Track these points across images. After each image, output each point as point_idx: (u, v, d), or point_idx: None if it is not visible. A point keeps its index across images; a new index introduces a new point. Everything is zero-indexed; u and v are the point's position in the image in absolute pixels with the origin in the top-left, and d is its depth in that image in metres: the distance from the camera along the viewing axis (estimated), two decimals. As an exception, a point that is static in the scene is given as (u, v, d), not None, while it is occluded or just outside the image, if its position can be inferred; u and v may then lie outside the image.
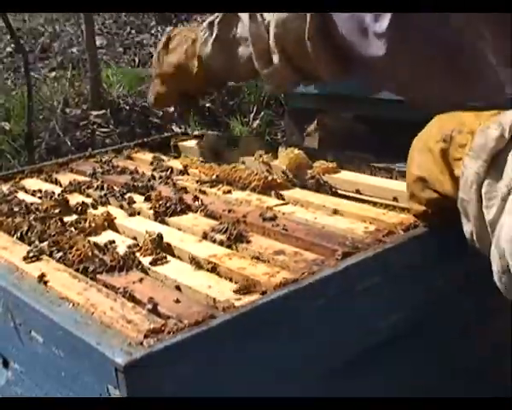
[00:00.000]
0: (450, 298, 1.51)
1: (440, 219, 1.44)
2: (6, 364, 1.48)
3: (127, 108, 6.21)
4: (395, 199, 1.69)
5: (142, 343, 1.13)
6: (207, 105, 6.29)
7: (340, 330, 1.35)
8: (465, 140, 1.29)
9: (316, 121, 2.71)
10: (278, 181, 1.83)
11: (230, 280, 1.38)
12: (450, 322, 1.52)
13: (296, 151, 1.96)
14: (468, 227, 1.29)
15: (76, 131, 5.82)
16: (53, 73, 6.71)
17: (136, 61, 7.25)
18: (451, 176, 1.33)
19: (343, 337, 1.36)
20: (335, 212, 1.65)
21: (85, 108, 6.08)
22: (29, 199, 1.88)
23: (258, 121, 5.78)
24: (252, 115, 5.97)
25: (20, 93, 6.03)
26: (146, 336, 1.15)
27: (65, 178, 2.08)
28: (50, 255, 1.51)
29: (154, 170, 2.08)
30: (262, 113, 5.90)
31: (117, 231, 1.67)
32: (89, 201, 1.84)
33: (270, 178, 1.84)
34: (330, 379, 1.34)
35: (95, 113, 5.98)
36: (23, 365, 1.40)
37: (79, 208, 1.78)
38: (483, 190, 1.22)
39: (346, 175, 1.88)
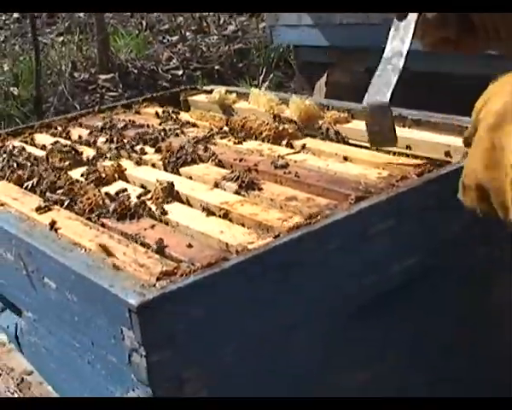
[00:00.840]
0: (464, 244, 1.49)
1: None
2: (19, 313, 1.48)
3: (135, 71, 6.18)
4: (408, 147, 1.66)
5: (154, 285, 1.12)
6: (216, 67, 6.25)
7: (354, 274, 1.33)
8: None
9: (326, 75, 2.67)
10: (290, 131, 1.81)
11: (243, 226, 1.37)
12: (463, 269, 1.50)
13: (307, 102, 1.94)
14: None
15: (84, 94, 5.80)
16: (60, 38, 6.68)
17: (144, 24, 7.19)
18: None
19: (357, 281, 1.34)
20: (347, 159, 1.64)
21: (93, 72, 6.06)
22: (39, 153, 1.87)
23: (267, 83, 5.72)
24: (261, 77, 5.92)
25: (27, 58, 6.00)
26: (158, 279, 1.14)
27: (74, 132, 2.06)
28: (61, 205, 1.50)
29: (163, 123, 2.06)
30: (271, 75, 5.84)
31: (127, 181, 1.65)
32: (98, 153, 1.83)
33: (281, 127, 1.82)
34: (344, 324, 1.33)
35: (103, 76, 5.95)
36: (36, 313, 1.40)
37: (89, 160, 1.77)
38: None
39: (357, 125, 1.85)
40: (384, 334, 1.41)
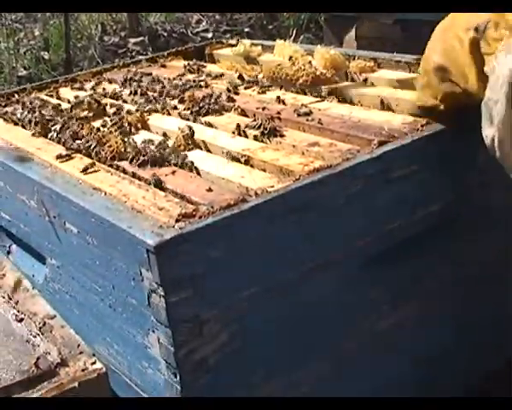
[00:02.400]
0: (486, 190, 1.46)
1: (449, 118, 1.34)
2: (43, 261, 1.49)
3: (165, 34, 6.16)
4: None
5: (173, 227, 1.12)
6: (246, 30, 6.20)
7: (376, 219, 1.32)
8: (499, 35, 1.16)
9: (354, 29, 2.63)
10: (328, 76, 1.77)
11: (264, 171, 1.35)
12: (485, 214, 1.48)
13: (332, 51, 1.91)
14: (489, 131, 1.17)
15: (114, 58, 5.78)
16: (90, 2, 6.67)
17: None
18: (480, 71, 1.20)
19: (378, 227, 1.33)
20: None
21: (123, 36, 6.05)
22: (63, 105, 1.87)
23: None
24: (291, 39, 5.85)
25: (57, 22, 6.01)
26: (177, 221, 1.14)
27: (99, 85, 2.06)
28: (84, 153, 1.50)
29: (187, 75, 2.04)
30: (301, 36, 5.78)
31: (150, 130, 1.65)
32: (121, 104, 1.82)
33: (318, 72, 1.77)
34: (364, 269, 1.32)
35: (133, 40, 5.94)
36: (59, 259, 1.41)
37: (113, 111, 1.77)
38: None
39: (383, 74, 1.82)
40: (406, 279, 1.39)
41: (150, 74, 2.09)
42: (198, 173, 1.37)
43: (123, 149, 1.46)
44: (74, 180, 1.35)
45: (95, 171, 1.40)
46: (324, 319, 1.28)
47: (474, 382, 1.57)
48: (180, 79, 1.99)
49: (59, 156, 1.48)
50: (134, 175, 1.37)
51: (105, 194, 1.27)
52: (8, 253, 1.64)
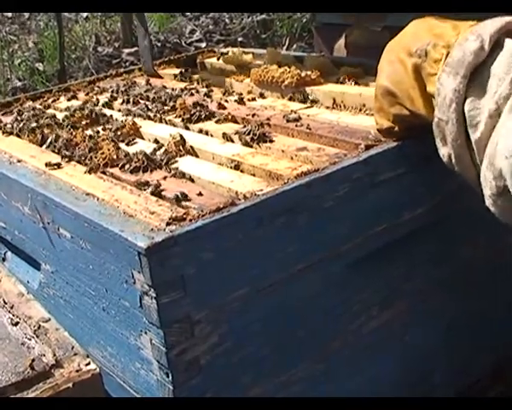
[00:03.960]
0: (473, 192, 1.49)
1: (407, 136, 1.36)
2: (38, 267, 1.51)
3: (159, 44, 6.20)
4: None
5: (164, 230, 1.14)
6: (239, 39, 6.24)
7: (363, 221, 1.34)
8: (440, 55, 1.19)
9: (344, 36, 2.66)
10: (312, 77, 1.80)
11: (253, 176, 1.38)
12: (472, 216, 1.50)
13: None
14: (444, 150, 1.20)
15: (109, 69, 5.82)
16: (84, 13, 6.71)
17: (167, -2, 7.19)
18: (424, 93, 1.23)
19: (365, 229, 1.36)
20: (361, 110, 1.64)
21: (117, 46, 6.09)
22: (57, 114, 1.90)
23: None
24: (284, 48, 5.89)
25: (52, 34, 6.04)
26: (168, 224, 1.16)
27: (92, 94, 2.09)
28: (77, 160, 1.53)
29: (179, 83, 2.08)
30: (294, 45, 5.82)
31: (142, 138, 1.68)
32: (114, 113, 1.85)
33: (303, 74, 1.81)
34: (352, 270, 1.35)
35: (127, 51, 5.98)
36: (54, 264, 1.43)
37: (106, 119, 1.80)
38: (466, 108, 1.12)
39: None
40: (393, 280, 1.42)
41: (142, 83, 2.12)
42: (189, 179, 1.39)
43: (115, 156, 1.49)
44: (67, 187, 1.37)
45: (87, 177, 1.43)
46: (313, 319, 1.31)
47: (464, 381, 1.60)
48: (172, 88, 2.02)
49: (50, 164, 1.51)
50: (126, 181, 1.40)
51: (98, 199, 1.30)
52: (3, 260, 1.66)
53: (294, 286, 1.27)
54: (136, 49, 6.02)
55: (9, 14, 6.63)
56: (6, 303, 1.36)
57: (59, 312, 1.44)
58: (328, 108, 1.71)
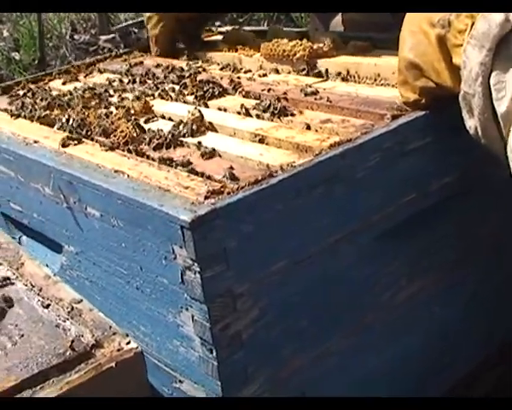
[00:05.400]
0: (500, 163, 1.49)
1: (435, 107, 1.35)
2: (59, 249, 1.48)
3: (136, 31, 6.13)
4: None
5: (203, 203, 1.12)
6: (217, 23, 6.20)
7: (393, 191, 1.34)
8: (464, 25, 1.17)
9: (340, 14, 2.64)
10: (325, 49, 1.78)
11: (280, 149, 1.36)
12: (500, 184, 1.51)
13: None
14: (471, 123, 1.20)
15: (86, 56, 5.75)
16: (58, 1, 6.61)
17: (141, -16, 7.11)
18: (449, 65, 1.22)
19: (395, 199, 1.35)
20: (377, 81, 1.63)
21: (94, 34, 6.01)
22: (64, 96, 1.86)
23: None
24: (263, 32, 5.86)
25: (27, 23, 5.95)
26: (207, 197, 1.14)
27: (95, 76, 2.05)
28: (95, 140, 1.50)
29: (183, 61, 2.05)
30: (272, 28, 5.79)
31: (155, 116, 1.64)
32: (124, 93, 1.82)
33: (315, 46, 1.79)
34: (384, 240, 1.34)
35: (104, 37, 5.90)
36: (78, 245, 1.40)
37: (115, 99, 1.76)
38: (491, 82, 1.11)
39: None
40: (422, 251, 1.42)
41: (146, 63, 2.09)
42: (216, 154, 1.37)
43: (135, 134, 1.47)
44: (93, 165, 1.34)
45: (110, 155, 1.40)
46: (347, 291, 1.30)
47: (490, 351, 1.60)
48: (177, 66, 1.99)
49: (68, 143, 1.47)
50: (151, 158, 1.37)
51: (128, 176, 1.27)
52: (19, 244, 1.62)
53: (330, 258, 1.26)
54: (112, 36, 5.96)
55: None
56: (34, 286, 1.32)
57: (84, 294, 1.40)
58: (343, 80, 1.69)
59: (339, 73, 1.72)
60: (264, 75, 1.82)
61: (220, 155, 1.36)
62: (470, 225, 1.49)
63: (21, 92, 1.94)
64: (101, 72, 2.11)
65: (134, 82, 1.91)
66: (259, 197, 1.14)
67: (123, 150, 1.42)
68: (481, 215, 1.50)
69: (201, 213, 1.08)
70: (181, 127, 1.49)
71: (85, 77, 2.07)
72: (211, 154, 1.36)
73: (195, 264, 1.09)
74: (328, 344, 1.30)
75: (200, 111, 1.52)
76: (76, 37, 6.02)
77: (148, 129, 1.50)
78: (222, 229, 1.10)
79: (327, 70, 1.74)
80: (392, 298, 1.39)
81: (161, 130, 1.48)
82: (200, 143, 1.41)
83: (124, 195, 1.19)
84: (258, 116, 1.53)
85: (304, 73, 1.78)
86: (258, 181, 1.16)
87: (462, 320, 1.53)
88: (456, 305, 1.52)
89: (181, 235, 1.09)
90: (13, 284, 1.33)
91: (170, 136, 1.44)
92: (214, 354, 1.14)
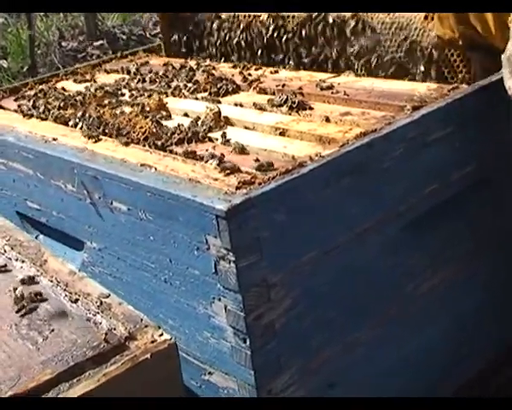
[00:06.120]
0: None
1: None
2: (80, 246, 1.48)
3: (124, 37, 6.12)
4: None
5: (236, 193, 1.13)
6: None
7: (417, 182, 1.35)
8: None
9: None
10: None
11: (302, 141, 1.37)
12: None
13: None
14: (511, 83, 1.22)
15: (75, 63, 5.73)
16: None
17: (127, -9, 7.11)
18: (500, 21, 1.24)
19: (419, 189, 1.36)
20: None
21: (82, 40, 6.00)
22: (75, 95, 1.85)
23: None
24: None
25: (15, 31, 5.92)
26: (238, 188, 1.15)
27: (102, 76, 2.05)
28: (115, 136, 1.49)
29: (190, 60, 2.05)
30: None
31: (170, 113, 1.64)
32: (134, 92, 1.82)
33: None
34: (409, 230, 1.35)
35: (93, 44, 5.89)
36: (102, 241, 1.40)
37: (129, 98, 1.76)
38: None
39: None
40: (444, 242, 1.43)
41: (153, 62, 2.09)
42: (240, 147, 1.37)
43: (154, 130, 1.47)
44: (118, 159, 1.34)
45: (132, 151, 1.40)
46: (373, 282, 1.31)
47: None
48: (186, 65, 1.99)
49: (88, 140, 1.47)
50: (174, 152, 1.37)
51: (155, 169, 1.27)
52: (37, 243, 1.61)
53: (358, 248, 1.26)
54: (101, 42, 5.95)
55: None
56: (59, 282, 1.31)
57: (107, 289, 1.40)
58: (357, 75, 1.70)
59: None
60: (276, 72, 1.82)
61: (244, 149, 1.36)
62: (487, 217, 1.50)
63: (31, 93, 1.93)
64: (108, 72, 2.10)
65: (144, 81, 1.91)
66: (291, 187, 1.14)
67: (144, 145, 1.42)
68: (498, 206, 1.51)
69: (236, 202, 1.08)
70: (199, 123, 1.50)
71: (94, 77, 2.05)
72: (234, 147, 1.36)
73: (230, 253, 1.09)
74: (355, 335, 1.30)
75: (218, 106, 1.53)
76: (64, 44, 6.00)
77: (167, 125, 1.50)
78: (256, 218, 1.10)
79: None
80: (416, 289, 1.39)
81: (182, 125, 1.48)
82: (221, 137, 1.42)
83: (154, 187, 1.19)
84: (275, 111, 1.53)
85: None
86: (289, 171, 1.17)
87: (476, 311, 1.54)
88: (472, 296, 1.52)
89: (216, 224, 1.09)
90: (38, 281, 1.33)
91: (190, 131, 1.44)
92: (248, 343, 1.14)
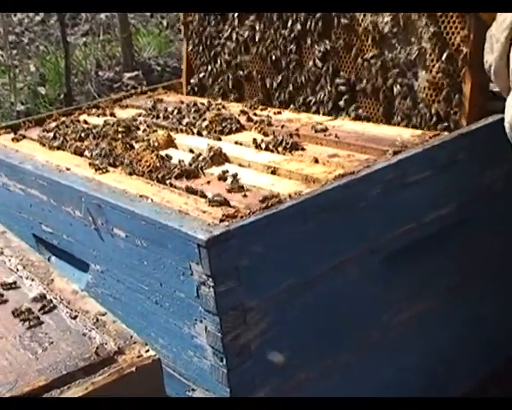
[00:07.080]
0: (495, 196, 1.61)
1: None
2: (86, 268, 1.61)
3: (159, 68, 6.32)
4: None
5: (219, 225, 1.25)
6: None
7: (394, 219, 1.45)
8: None
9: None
10: None
11: (290, 179, 1.49)
12: (495, 219, 1.62)
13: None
14: (489, 58, 1.32)
15: (110, 92, 5.93)
16: (83, 39, 6.84)
17: (164, 23, 7.35)
18: None
19: (395, 227, 1.47)
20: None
21: (118, 71, 6.21)
22: (93, 128, 1.99)
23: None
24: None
25: (53, 59, 6.15)
26: (222, 220, 1.27)
27: (122, 111, 2.20)
28: (122, 168, 1.63)
29: (203, 98, 2.19)
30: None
31: (177, 149, 1.78)
32: (147, 127, 1.96)
33: None
34: (385, 265, 1.45)
35: (128, 74, 6.09)
36: (104, 264, 1.53)
37: (141, 132, 1.90)
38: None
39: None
40: (421, 277, 1.53)
41: (170, 100, 2.23)
42: (231, 183, 1.50)
43: (158, 164, 1.60)
44: (120, 190, 1.48)
45: (135, 183, 1.53)
46: (351, 311, 1.41)
47: (482, 376, 1.70)
48: (199, 103, 2.13)
49: (97, 171, 1.61)
50: (173, 186, 1.50)
51: (151, 200, 1.40)
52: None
53: (335, 279, 1.38)
54: (136, 73, 6.15)
55: (10, 39, 6.74)
56: (62, 300, 1.45)
57: (107, 309, 1.53)
58: (352, 119, 1.82)
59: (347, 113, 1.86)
60: (279, 113, 1.95)
61: (236, 185, 1.49)
62: (466, 253, 1.60)
63: (54, 124, 2.09)
64: (127, 107, 2.25)
65: (158, 117, 2.05)
66: (270, 221, 1.26)
67: (147, 178, 1.56)
68: (477, 244, 1.61)
69: (216, 233, 1.21)
70: (200, 159, 1.63)
71: (113, 111, 2.21)
72: (230, 183, 1.49)
73: (210, 279, 1.21)
74: (331, 360, 1.40)
75: (218, 146, 1.66)
76: (100, 73, 6.21)
77: (170, 160, 1.63)
78: (235, 248, 1.22)
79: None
80: (392, 319, 1.49)
81: (182, 160, 1.61)
82: (218, 172, 1.54)
83: (147, 216, 1.33)
84: (271, 150, 1.66)
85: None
86: (268, 207, 1.29)
87: (457, 342, 1.63)
88: (453, 328, 1.62)
89: (197, 253, 1.22)
90: (44, 298, 1.46)
91: (190, 166, 1.57)
92: (224, 362, 1.25)
